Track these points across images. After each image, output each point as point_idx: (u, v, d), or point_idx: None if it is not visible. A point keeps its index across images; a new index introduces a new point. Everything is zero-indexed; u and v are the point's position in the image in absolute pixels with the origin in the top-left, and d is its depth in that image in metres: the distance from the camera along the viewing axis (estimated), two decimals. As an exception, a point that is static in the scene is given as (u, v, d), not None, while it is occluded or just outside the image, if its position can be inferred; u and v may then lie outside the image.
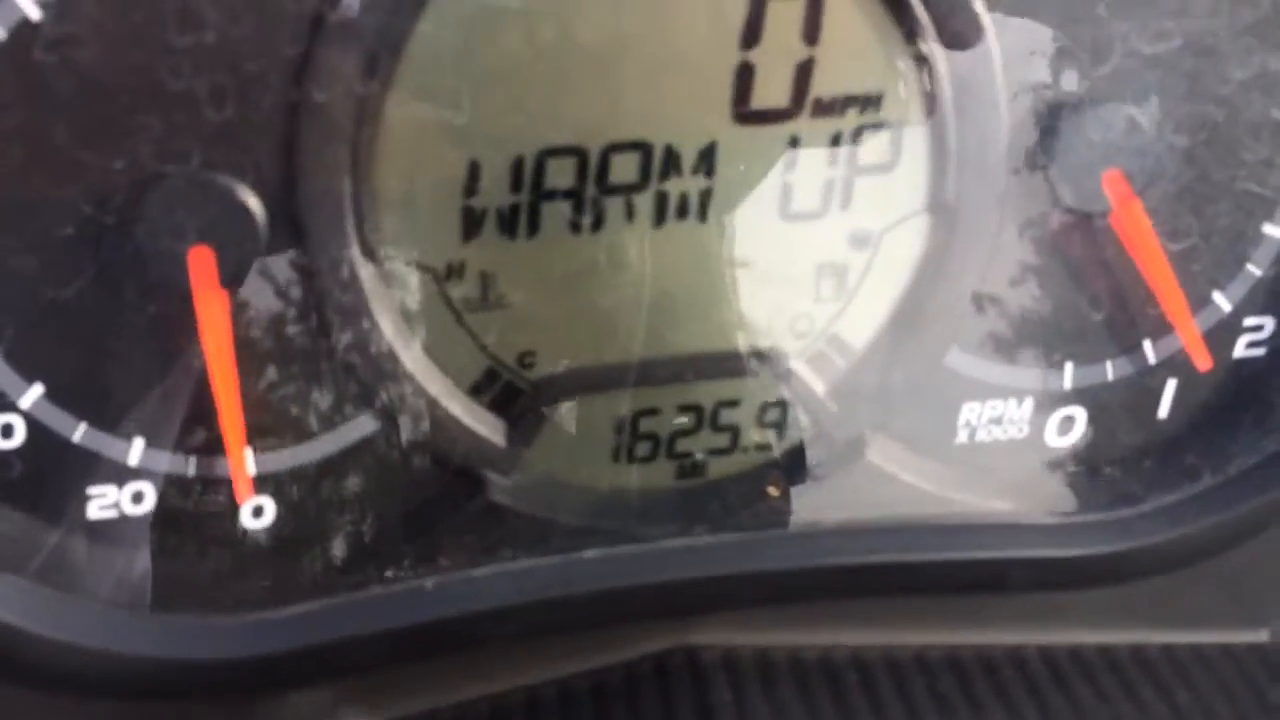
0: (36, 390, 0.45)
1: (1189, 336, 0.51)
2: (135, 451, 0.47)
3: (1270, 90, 0.51)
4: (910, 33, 0.47)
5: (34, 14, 0.40)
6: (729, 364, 0.50)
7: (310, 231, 0.44)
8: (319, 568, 0.50)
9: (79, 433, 0.46)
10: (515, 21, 0.45)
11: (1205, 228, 0.52)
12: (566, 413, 0.50)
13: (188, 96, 0.43)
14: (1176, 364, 0.53)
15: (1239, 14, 0.51)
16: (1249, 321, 0.53)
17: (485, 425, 0.49)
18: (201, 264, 0.42)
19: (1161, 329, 0.52)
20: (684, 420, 0.51)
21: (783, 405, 0.51)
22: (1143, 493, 0.54)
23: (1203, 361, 0.52)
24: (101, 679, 0.49)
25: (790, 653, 0.54)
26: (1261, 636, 0.56)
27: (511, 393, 0.49)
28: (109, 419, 0.47)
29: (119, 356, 0.47)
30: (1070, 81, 0.50)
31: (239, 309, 0.46)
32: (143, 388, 0.47)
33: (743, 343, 0.51)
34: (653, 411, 0.50)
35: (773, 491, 0.55)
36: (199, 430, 0.47)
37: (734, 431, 0.51)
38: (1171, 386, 0.53)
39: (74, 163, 0.43)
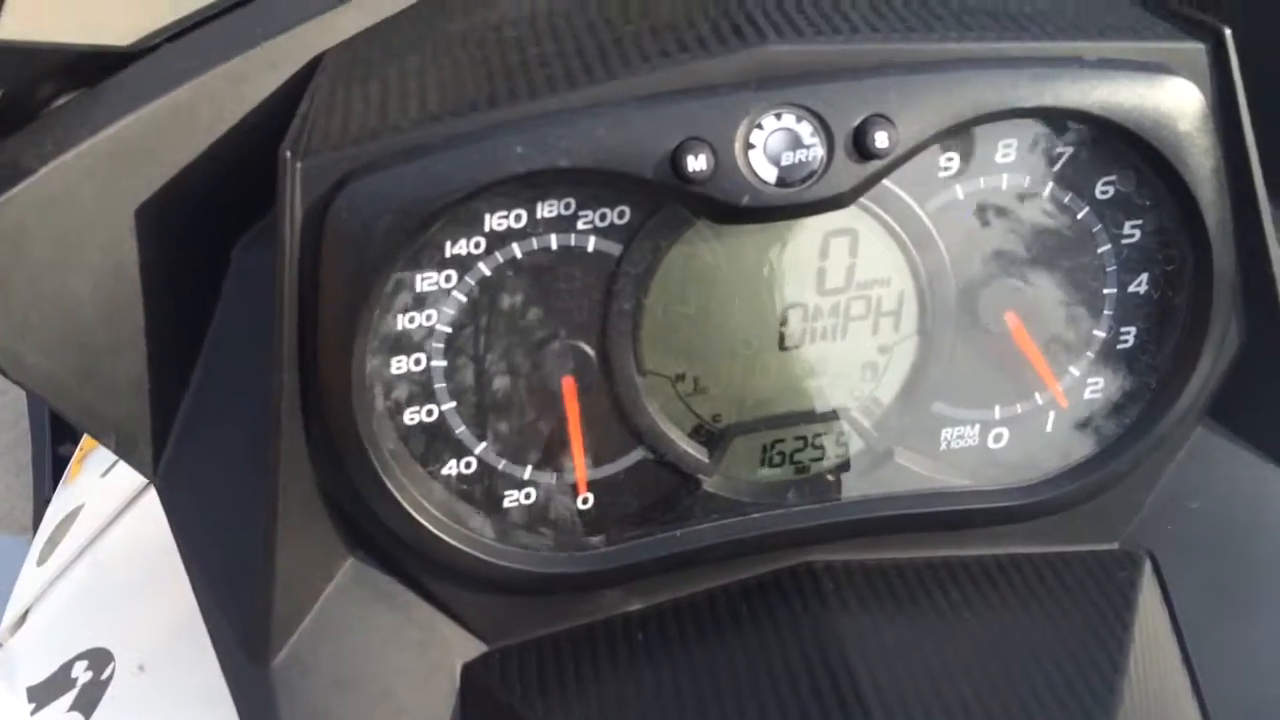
0: (484, 444, 0.66)
1: (1056, 391, 0.68)
2: (528, 471, 0.67)
3: (1085, 272, 0.66)
4: (903, 247, 0.64)
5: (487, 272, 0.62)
6: (821, 416, 0.67)
7: (613, 363, 0.65)
8: (617, 527, 0.68)
9: (501, 464, 0.66)
10: (703, 267, 0.63)
11: (1062, 334, 0.68)
12: (738, 445, 0.67)
13: (559, 308, 0.63)
14: (1053, 404, 0.69)
15: (1061, 244, 0.66)
16: (1089, 380, 0.69)
17: (697, 452, 0.67)
18: (569, 386, 0.65)
19: (1042, 386, 0.68)
20: (798, 444, 0.68)
21: (848, 434, 0.68)
22: (1039, 472, 0.70)
23: (1063, 403, 0.69)
24: (516, 583, 0.67)
25: (862, 563, 0.70)
26: (1114, 546, 0.71)
27: (710, 434, 0.67)
28: (518, 457, 0.66)
29: (524, 426, 0.65)
30: (986, 270, 0.66)
31: (582, 401, 0.65)
32: (534, 438, 0.66)
33: (829, 404, 0.68)
34: (781, 440, 0.67)
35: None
36: (559, 459, 0.66)
37: (823, 448, 0.68)
38: (1051, 415, 0.70)
39: (521, 339, 0.64)
